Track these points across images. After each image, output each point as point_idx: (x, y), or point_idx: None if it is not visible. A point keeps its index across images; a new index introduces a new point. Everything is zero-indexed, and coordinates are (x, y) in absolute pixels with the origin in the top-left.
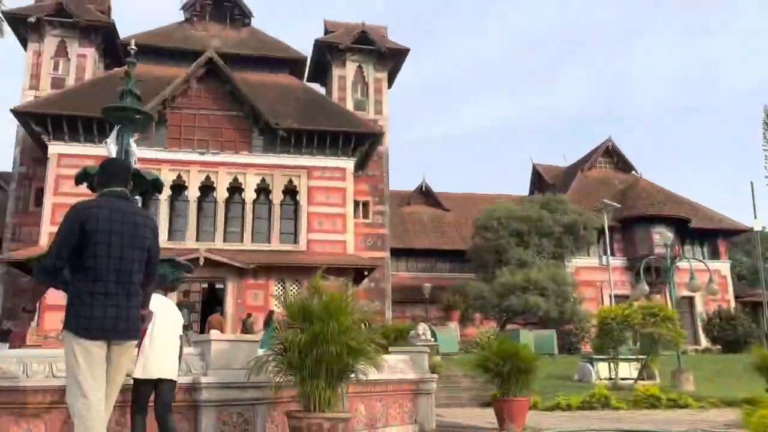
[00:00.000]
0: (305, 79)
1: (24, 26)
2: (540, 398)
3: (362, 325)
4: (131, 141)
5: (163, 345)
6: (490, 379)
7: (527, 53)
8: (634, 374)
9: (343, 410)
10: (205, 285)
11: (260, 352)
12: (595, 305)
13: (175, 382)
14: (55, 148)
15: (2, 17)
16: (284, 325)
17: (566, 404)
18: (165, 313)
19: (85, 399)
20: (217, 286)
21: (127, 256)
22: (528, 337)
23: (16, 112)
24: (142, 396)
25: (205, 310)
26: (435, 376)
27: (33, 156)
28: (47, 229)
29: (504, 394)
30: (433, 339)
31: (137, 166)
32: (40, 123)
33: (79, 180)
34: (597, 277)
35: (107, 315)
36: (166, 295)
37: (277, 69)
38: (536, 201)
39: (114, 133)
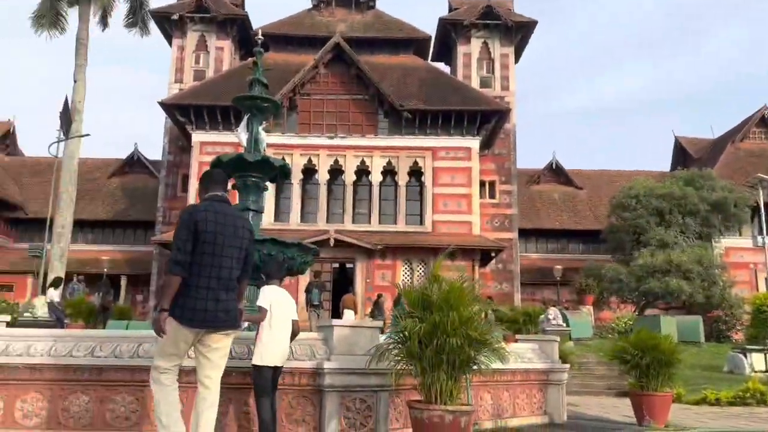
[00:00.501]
0: (429, 58)
1: (168, 23)
2: (684, 390)
3: (484, 314)
4: (260, 128)
5: (280, 335)
6: (628, 370)
7: (668, 15)
8: None
9: (466, 402)
10: (336, 265)
11: (382, 338)
12: (748, 289)
13: (282, 365)
14: (197, 136)
15: (149, 16)
16: (404, 313)
17: (714, 398)
18: (281, 303)
19: (166, 375)
20: (347, 266)
21: (227, 254)
22: (670, 323)
23: (163, 105)
24: (264, 380)
25: (336, 289)
26: (566, 366)
27: (179, 144)
28: None
29: (643, 387)
30: (564, 324)
31: (266, 153)
32: (184, 114)
33: (213, 167)
34: (750, 258)
35: (208, 308)
36: (281, 283)
37: (402, 50)
38: (679, 177)
39: (244, 122)
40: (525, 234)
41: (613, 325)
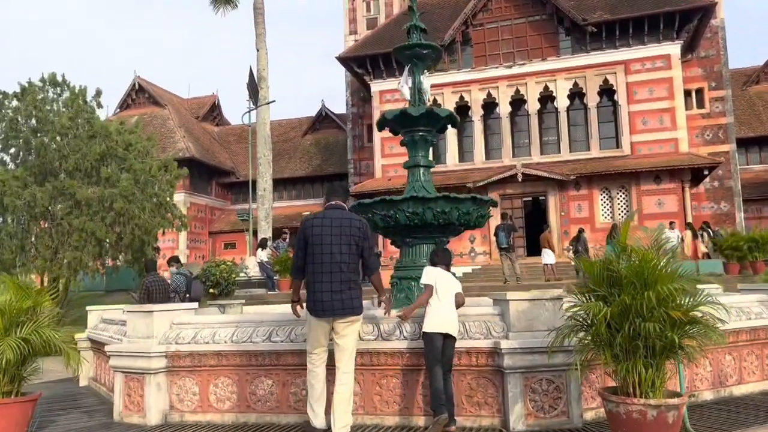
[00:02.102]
0: None
1: None
2: None
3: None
4: (423, 78)
5: (446, 304)
6: None
7: None
8: None
9: (676, 392)
10: (528, 199)
11: (566, 306)
12: None
13: (455, 339)
14: (376, 86)
15: None
16: (585, 289)
17: None
18: (445, 278)
19: (311, 358)
20: (540, 199)
21: (336, 251)
22: None
23: (340, 59)
24: (433, 348)
25: (529, 225)
26: None
27: (361, 96)
28: (379, 162)
29: None
30: None
31: (431, 103)
32: (361, 65)
33: (380, 126)
34: None
35: (324, 299)
36: (447, 269)
37: None
38: None
39: (405, 73)
40: (744, 144)
41: None
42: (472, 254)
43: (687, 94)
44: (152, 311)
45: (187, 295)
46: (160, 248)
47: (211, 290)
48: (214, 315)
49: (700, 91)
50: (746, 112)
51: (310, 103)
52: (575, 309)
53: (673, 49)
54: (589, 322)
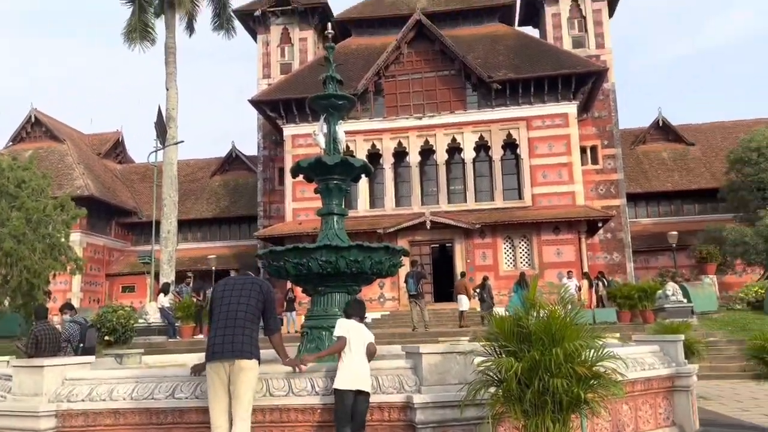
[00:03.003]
0: (516, 24)
1: (251, 20)
2: None
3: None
4: (338, 128)
5: (358, 358)
6: None
7: None
8: None
9: None
10: (435, 246)
11: (477, 360)
12: None
13: (368, 394)
14: (289, 130)
15: (233, 16)
16: (496, 346)
17: None
18: (357, 332)
19: (212, 416)
20: (447, 245)
21: (233, 303)
22: None
23: (253, 102)
24: (343, 407)
25: (436, 271)
26: (693, 367)
27: (273, 139)
28: (290, 206)
29: None
30: (685, 299)
31: (345, 152)
32: (274, 109)
33: (294, 173)
34: None
35: (215, 342)
36: (360, 321)
37: (486, 19)
38: None
39: (321, 122)
40: (634, 199)
41: (741, 294)
42: (382, 300)
43: (583, 150)
44: (42, 366)
45: (81, 345)
46: (51, 291)
47: (106, 337)
48: (112, 369)
49: (594, 149)
50: (635, 170)
51: (221, 144)
52: (487, 364)
53: (570, 108)
54: (500, 377)
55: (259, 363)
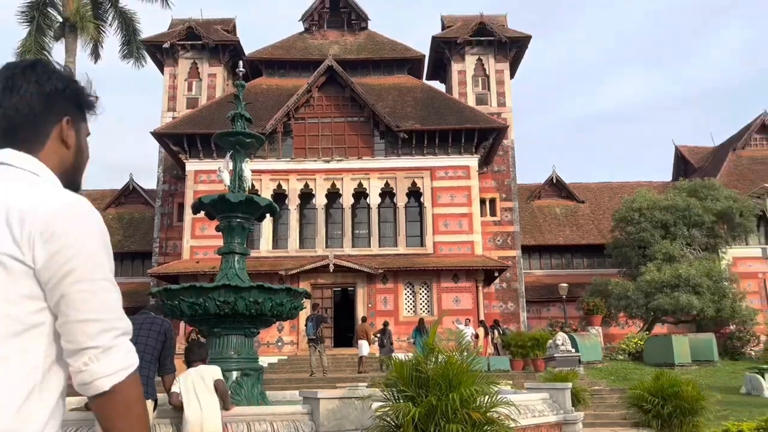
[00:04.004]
0: (424, 77)
1: (159, 52)
2: (703, 418)
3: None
4: (244, 165)
5: (207, 405)
6: (648, 420)
7: (664, 24)
8: None
9: None
10: (338, 290)
11: (375, 405)
12: (758, 299)
13: None
14: (191, 165)
15: (141, 45)
16: (395, 390)
17: (737, 431)
18: (199, 382)
19: None
20: (349, 289)
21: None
22: (682, 343)
23: (156, 134)
24: None
25: (338, 315)
26: (579, 415)
27: (174, 174)
28: (188, 243)
29: None
30: (573, 349)
31: (251, 190)
32: (177, 143)
33: (196, 209)
34: (759, 268)
35: None
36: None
37: (396, 70)
38: (682, 188)
39: (226, 159)
40: (528, 251)
41: (623, 345)
42: (280, 344)
43: (482, 202)
44: None
45: None
46: None
47: None
48: None
49: (493, 201)
50: (530, 223)
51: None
52: (385, 409)
53: (472, 161)
54: (397, 422)
55: (156, 405)
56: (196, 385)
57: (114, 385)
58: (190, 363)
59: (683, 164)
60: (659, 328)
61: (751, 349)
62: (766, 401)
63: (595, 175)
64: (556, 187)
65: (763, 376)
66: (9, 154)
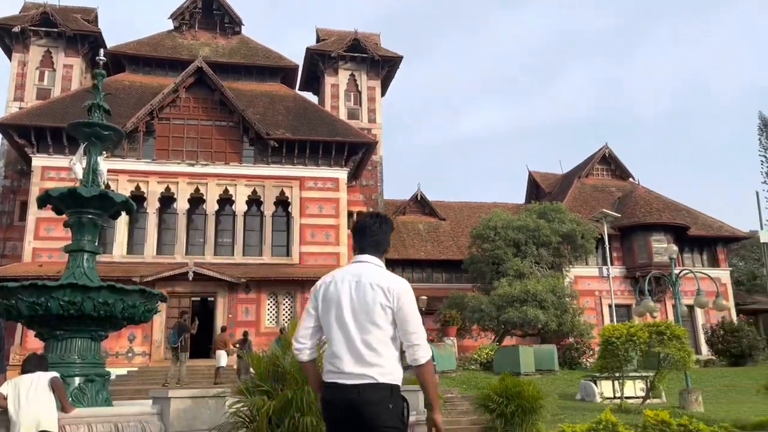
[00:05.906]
0: (297, 87)
1: (9, 36)
2: (543, 423)
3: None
4: (99, 159)
5: (39, 402)
6: (493, 420)
7: (523, 59)
8: (639, 393)
9: None
10: (197, 299)
11: (230, 402)
12: (594, 315)
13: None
14: (38, 160)
15: None
16: (251, 386)
17: None
18: (27, 382)
19: None
20: (209, 299)
21: None
22: (528, 353)
23: None
24: None
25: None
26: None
27: (18, 169)
28: (31, 245)
29: None
30: None
31: (105, 187)
32: (24, 135)
33: (42, 203)
34: (596, 286)
35: None
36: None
37: (268, 78)
38: (534, 210)
39: (80, 151)
40: (392, 264)
41: (475, 356)
42: (130, 354)
43: (350, 215)
44: None
45: None
46: None
47: None
48: None
49: (360, 214)
50: (395, 237)
51: None
52: (239, 405)
53: (341, 174)
54: (251, 417)
55: None
56: (30, 386)
57: None
58: (24, 372)
59: (535, 188)
60: (509, 340)
61: (586, 360)
62: (597, 406)
63: (457, 195)
64: (420, 204)
65: (595, 384)
66: (376, 259)
